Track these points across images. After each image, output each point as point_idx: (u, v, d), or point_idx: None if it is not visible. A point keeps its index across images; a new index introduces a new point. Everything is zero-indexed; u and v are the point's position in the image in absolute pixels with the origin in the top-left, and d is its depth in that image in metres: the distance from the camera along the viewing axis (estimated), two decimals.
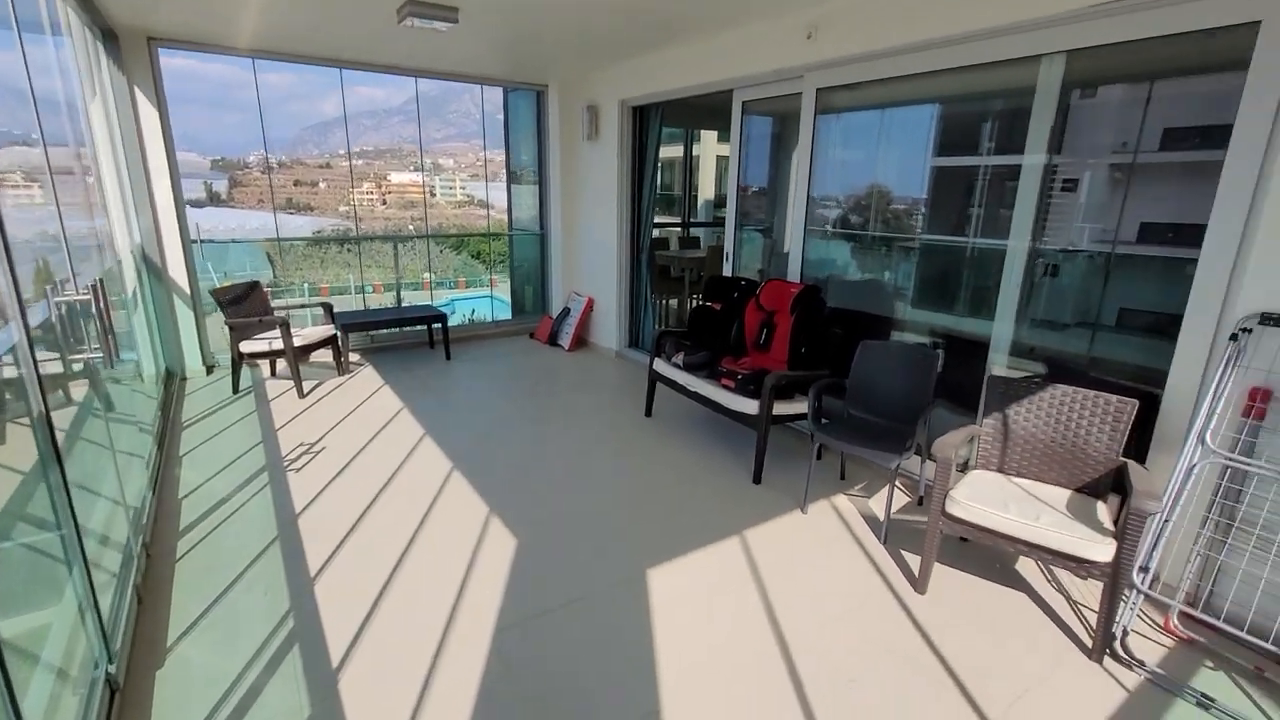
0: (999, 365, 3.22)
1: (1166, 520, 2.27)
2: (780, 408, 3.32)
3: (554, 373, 5.45)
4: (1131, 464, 2.34)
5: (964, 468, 3.10)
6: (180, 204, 4.79)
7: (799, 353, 3.55)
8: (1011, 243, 3.11)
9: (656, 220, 6.86)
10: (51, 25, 3.01)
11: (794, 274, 4.07)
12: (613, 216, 5.62)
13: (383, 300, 12.98)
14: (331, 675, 2.00)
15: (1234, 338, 2.21)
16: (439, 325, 5.66)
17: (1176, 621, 2.32)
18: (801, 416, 3.34)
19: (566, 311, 6.32)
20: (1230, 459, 2.19)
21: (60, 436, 1.78)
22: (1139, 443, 2.53)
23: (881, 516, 3.05)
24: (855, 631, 2.27)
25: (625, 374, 5.44)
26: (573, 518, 3.00)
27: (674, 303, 7.48)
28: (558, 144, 6.13)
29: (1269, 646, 2.05)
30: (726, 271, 4.66)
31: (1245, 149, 2.20)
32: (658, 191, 5.59)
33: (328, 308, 5.26)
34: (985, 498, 2.37)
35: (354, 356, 5.68)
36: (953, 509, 2.37)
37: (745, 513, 3.07)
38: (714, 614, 2.34)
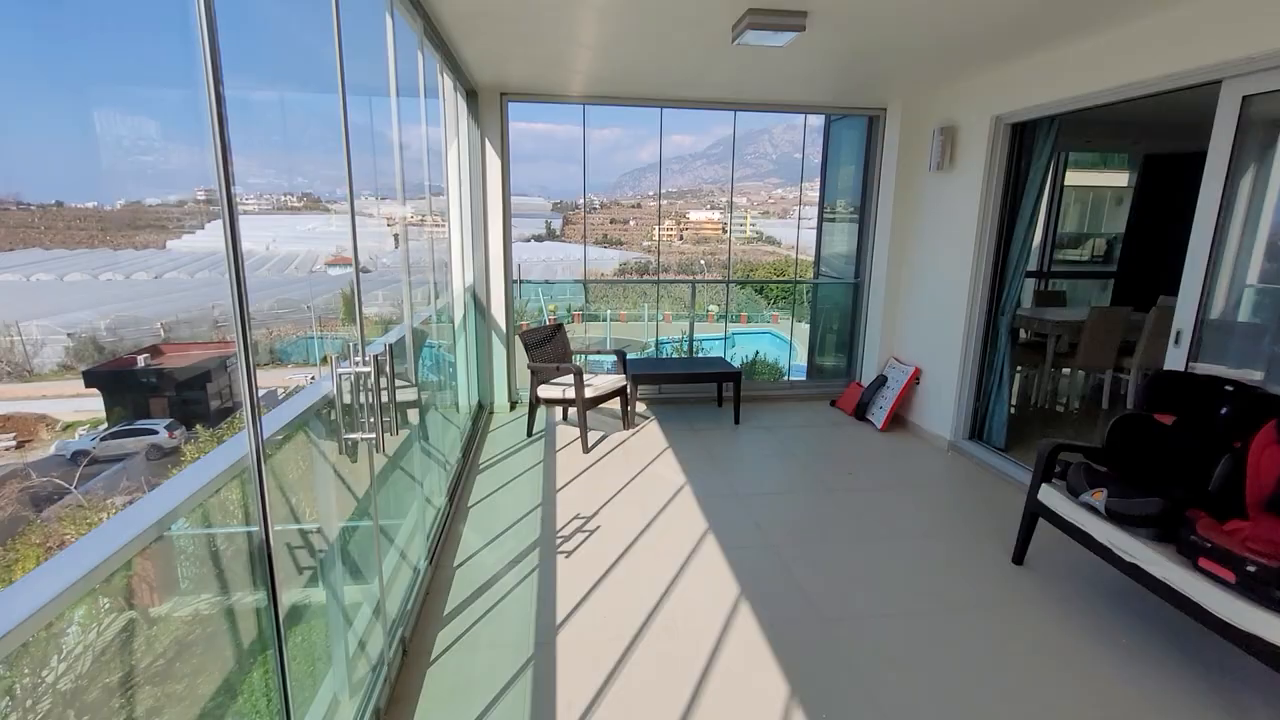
0: None
1: None
2: None
3: (865, 458, 4.33)
4: None
5: None
6: (508, 247, 5.02)
7: None
8: None
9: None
10: (428, 89, 3.19)
11: None
12: (965, 266, 4.30)
13: (671, 329, 13.22)
14: None
15: None
16: (729, 383, 5.01)
17: None
18: None
19: (883, 380, 5.13)
20: None
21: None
22: None
23: None
24: None
25: (964, 476, 4.05)
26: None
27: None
28: (893, 176, 5.04)
29: None
30: (1175, 361, 3.01)
31: None
32: (1039, 234, 4.09)
33: (620, 355, 5.02)
34: None
35: (640, 406, 5.38)
36: None
37: None
38: None
